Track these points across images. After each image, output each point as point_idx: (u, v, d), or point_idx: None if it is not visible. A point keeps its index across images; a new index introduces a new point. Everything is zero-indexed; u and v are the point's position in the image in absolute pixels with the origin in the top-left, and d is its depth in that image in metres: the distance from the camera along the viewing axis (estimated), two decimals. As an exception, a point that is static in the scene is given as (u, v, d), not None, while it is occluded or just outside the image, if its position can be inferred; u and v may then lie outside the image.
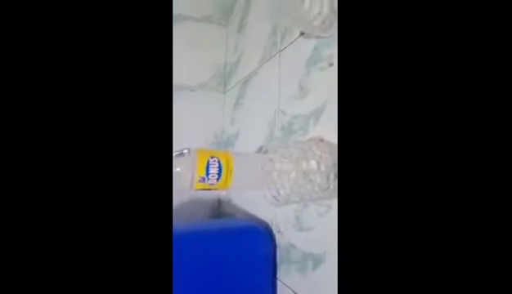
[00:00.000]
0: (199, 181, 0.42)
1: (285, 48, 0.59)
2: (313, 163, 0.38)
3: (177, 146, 0.42)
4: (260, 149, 0.66)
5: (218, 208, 0.87)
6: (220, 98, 0.91)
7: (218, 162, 0.43)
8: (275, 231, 0.57)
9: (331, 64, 0.46)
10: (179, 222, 0.50)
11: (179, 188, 0.43)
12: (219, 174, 0.43)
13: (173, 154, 0.44)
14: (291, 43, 0.57)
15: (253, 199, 0.67)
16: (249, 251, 0.56)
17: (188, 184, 0.42)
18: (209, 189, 0.44)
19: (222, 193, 0.87)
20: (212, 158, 0.43)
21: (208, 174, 0.42)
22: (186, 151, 0.44)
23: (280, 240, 0.55)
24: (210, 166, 0.43)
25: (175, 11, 0.86)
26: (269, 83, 0.65)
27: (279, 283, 0.54)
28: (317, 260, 0.46)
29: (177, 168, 0.42)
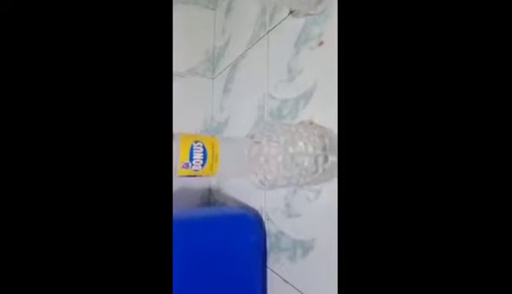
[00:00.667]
0: (183, 167, 0.40)
1: (273, 28, 0.57)
2: (301, 145, 0.36)
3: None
4: (249, 136, 0.64)
5: (209, 197, 0.86)
6: (209, 84, 0.89)
7: (203, 147, 0.41)
8: (264, 219, 0.56)
9: (321, 43, 0.44)
10: None
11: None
12: (204, 159, 0.41)
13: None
14: (279, 23, 0.55)
15: (243, 188, 0.65)
16: (237, 240, 0.55)
17: (174, 170, 0.40)
18: (194, 176, 0.43)
19: (213, 182, 0.85)
20: (196, 142, 0.41)
21: (192, 159, 0.40)
22: (168, 136, 0.42)
23: (269, 228, 0.54)
24: (194, 151, 0.40)
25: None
26: (257, 67, 0.62)
27: (269, 271, 0.53)
28: (306, 247, 0.45)
29: (158, 154, 0.40)
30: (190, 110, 0.87)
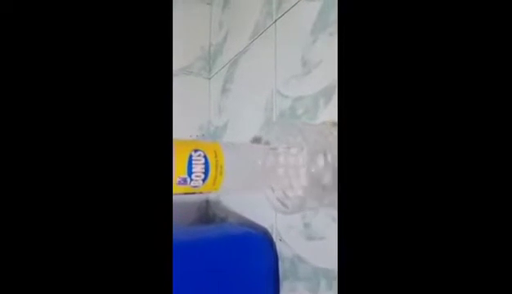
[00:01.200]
0: (179, 183, 0.31)
1: (282, 16, 0.49)
2: (334, 156, 0.27)
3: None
4: (255, 140, 0.56)
5: (206, 211, 0.77)
6: (204, 84, 0.80)
7: (204, 156, 0.33)
8: (275, 239, 0.47)
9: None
10: None
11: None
12: (206, 173, 0.33)
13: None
14: (290, 9, 0.47)
15: (248, 200, 0.56)
16: (243, 265, 0.46)
17: (164, 187, 0.32)
18: (192, 193, 0.34)
19: (211, 193, 0.76)
20: (195, 151, 0.32)
21: (190, 173, 0.32)
22: (160, 143, 0.33)
23: (282, 250, 0.45)
24: (193, 162, 0.32)
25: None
26: (263, 61, 0.54)
27: (283, 303, 0.45)
28: (332, 278, 0.36)
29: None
30: (184, 114, 0.78)
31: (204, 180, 0.33)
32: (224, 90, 0.71)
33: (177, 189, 0.31)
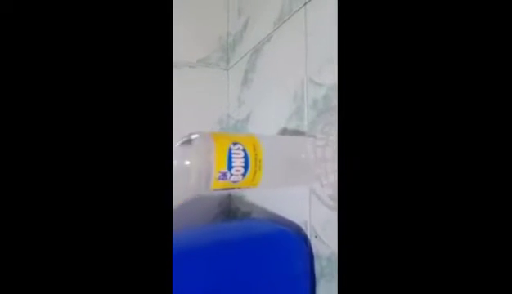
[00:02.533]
0: (219, 179, 0.29)
1: (313, -2, 0.46)
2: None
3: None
4: (284, 132, 0.53)
5: (229, 204, 0.75)
6: (222, 76, 0.77)
7: (243, 150, 0.30)
8: (310, 236, 0.45)
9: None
10: (180, 227, 0.37)
11: (189, 189, 0.30)
12: (246, 167, 0.30)
13: (178, 143, 0.31)
14: (324, -10, 0.44)
15: (275, 193, 0.54)
16: (275, 267, 0.43)
17: (202, 182, 0.29)
18: (231, 189, 0.32)
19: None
20: (234, 144, 0.30)
21: (230, 167, 0.29)
22: (195, 137, 0.31)
23: (318, 248, 0.43)
24: (233, 156, 0.29)
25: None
26: (290, 48, 0.51)
27: (319, 304, 0.42)
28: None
29: (185, 161, 0.29)
30: (203, 106, 0.75)
31: (243, 175, 0.30)
32: (245, 80, 0.68)
33: (217, 184, 0.29)
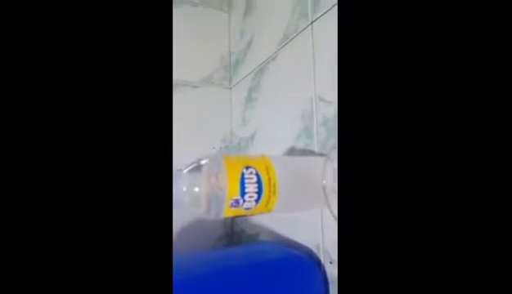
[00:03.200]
0: (232, 206, 0.27)
1: (320, 16, 0.45)
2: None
3: (175, 158, 0.27)
4: (291, 150, 0.52)
5: (232, 226, 0.72)
6: (225, 94, 0.77)
7: (256, 174, 0.29)
8: (324, 260, 0.42)
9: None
10: (181, 253, 0.34)
11: (200, 216, 0.28)
12: (259, 192, 0.28)
13: (186, 168, 0.29)
14: (331, 9, 0.43)
15: (283, 214, 0.52)
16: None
17: (213, 210, 0.27)
18: (244, 215, 0.30)
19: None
20: (247, 168, 0.28)
21: (243, 194, 0.27)
22: (204, 162, 0.29)
23: (333, 274, 0.41)
24: (246, 181, 0.28)
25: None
26: (297, 66, 0.50)
27: (336, 335, 0.40)
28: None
29: (195, 188, 0.27)
30: (206, 125, 0.74)
31: (257, 201, 0.29)
32: (249, 99, 0.67)
33: (229, 212, 0.27)
